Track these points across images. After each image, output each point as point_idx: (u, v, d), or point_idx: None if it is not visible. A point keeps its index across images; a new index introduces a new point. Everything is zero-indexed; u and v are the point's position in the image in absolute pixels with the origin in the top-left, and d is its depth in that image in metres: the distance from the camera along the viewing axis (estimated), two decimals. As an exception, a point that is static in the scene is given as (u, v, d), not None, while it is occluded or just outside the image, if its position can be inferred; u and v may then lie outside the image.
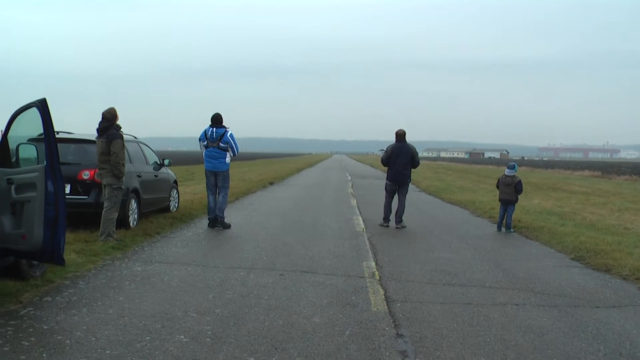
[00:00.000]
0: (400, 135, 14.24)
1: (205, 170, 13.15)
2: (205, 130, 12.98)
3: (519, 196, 14.33)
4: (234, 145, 12.95)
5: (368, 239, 12.16)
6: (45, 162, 6.77)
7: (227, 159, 13.00)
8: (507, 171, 14.34)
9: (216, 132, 12.83)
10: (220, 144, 12.80)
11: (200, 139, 13.09)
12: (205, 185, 13.50)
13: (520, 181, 14.23)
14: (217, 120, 12.93)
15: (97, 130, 10.72)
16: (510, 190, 14.06)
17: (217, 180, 13.09)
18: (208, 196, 13.20)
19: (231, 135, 12.91)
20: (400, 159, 14.10)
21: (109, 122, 10.64)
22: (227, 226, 12.95)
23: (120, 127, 10.86)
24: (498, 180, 14.53)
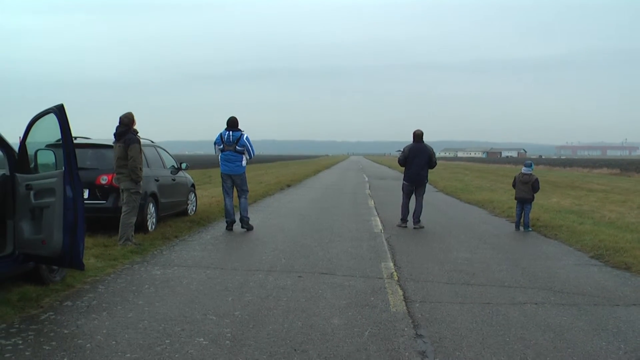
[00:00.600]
0: (418, 136, 14.21)
1: (221, 173, 13.18)
2: (221, 134, 13.00)
3: (535, 195, 14.25)
4: (250, 148, 12.98)
5: (386, 239, 12.14)
6: (63, 168, 6.82)
7: (243, 162, 13.04)
8: (524, 169, 14.27)
9: (232, 136, 12.86)
10: (237, 147, 12.82)
11: (215, 143, 13.11)
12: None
13: (537, 179, 14.15)
14: (233, 123, 12.95)
15: (115, 135, 10.79)
16: (527, 189, 13.99)
17: (235, 184, 13.14)
18: (225, 199, 13.24)
19: (247, 138, 12.94)
20: (417, 160, 14.07)
21: (126, 126, 10.72)
22: (251, 228, 13.02)
23: (138, 132, 10.93)
24: (515, 179, 14.46)
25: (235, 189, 13.28)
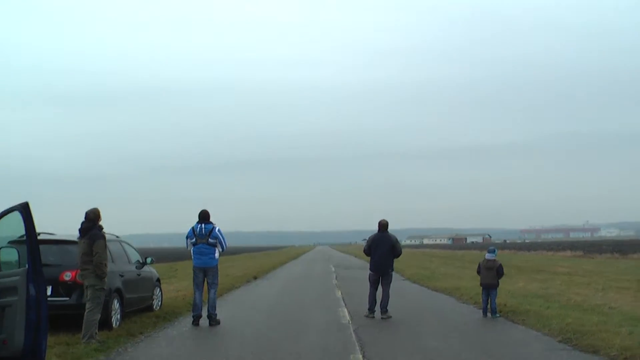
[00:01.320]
0: (383, 226, 14.36)
1: (194, 267, 13.12)
2: (193, 228, 13.05)
3: (500, 280, 14.35)
4: (222, 241, 13.06)
5: (354, 331, 12.06)
6: (27, 266, 6.76)
7: (216, 255, 13.07)
8: (487, 255, 14.41)
9: (205, 228, 12.94)
10: (209, 239, 12.88)
11: (187, 237, 13.13)
12: (191, 281, 13.42)
13: (501, 265, 14.29)
14: (204, 216, 13.07)
15: (80, 230, 10.75)
16: (491, 274, 14.08)
17: (206, 277, 13.07)
18: (194, 293, 13.12)
19: (219, 230, 13.04)
20: (380, 249, 14.15)
21: (92, 222, 10.69)
22: (218, 322, 12.87)
23: (103, 228, 10.90)
24: (479, 265, 14.58)
25: (205, 282, 13.19)
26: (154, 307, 14.86)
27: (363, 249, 14.95)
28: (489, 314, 14.04)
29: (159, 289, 15.48)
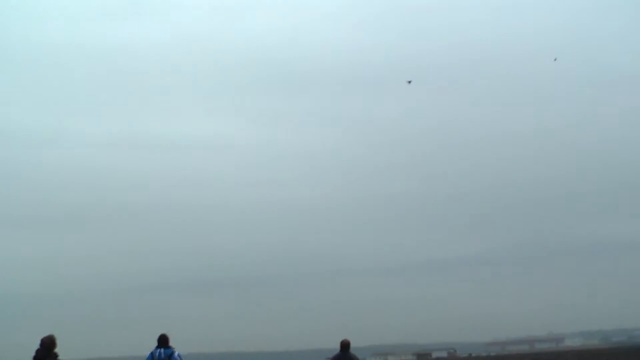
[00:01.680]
0: (345, 345, 14.36)
1: (153, 393, 12.81)
2: (152, 353, 12.87)
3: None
4: None
5: None
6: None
7: (176, 380, 12.82)
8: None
9: (164, 353, 12.76)
10: (169, 364, 12.68)
11: (146, 362, 12.90)
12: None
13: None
14: (164, 340, 12.93)
15: (34, 358, 10.48)
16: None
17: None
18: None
19: (179, 355, 12.88)
20: (341, 369, 14.06)
21: (47, 350, 10.47)
22: None
23: (58, 355, 10.67)
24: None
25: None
26: None
27: (325, 369, 14.82)
28: None
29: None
